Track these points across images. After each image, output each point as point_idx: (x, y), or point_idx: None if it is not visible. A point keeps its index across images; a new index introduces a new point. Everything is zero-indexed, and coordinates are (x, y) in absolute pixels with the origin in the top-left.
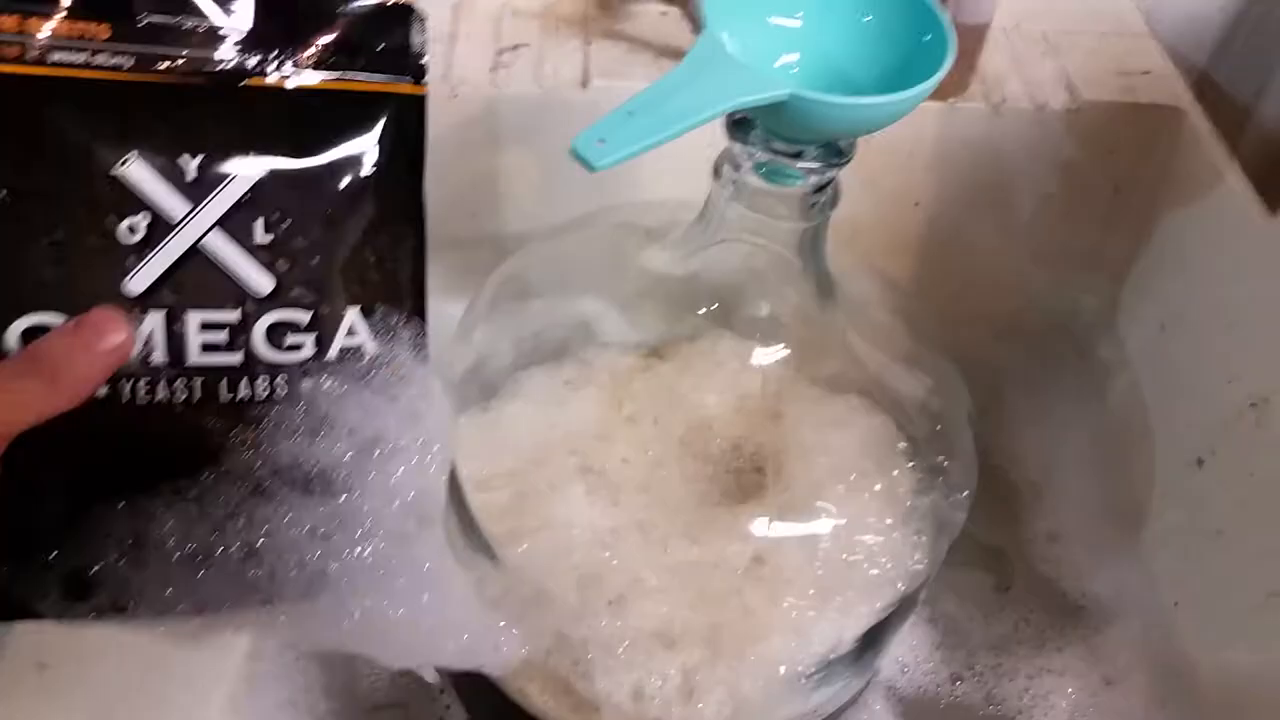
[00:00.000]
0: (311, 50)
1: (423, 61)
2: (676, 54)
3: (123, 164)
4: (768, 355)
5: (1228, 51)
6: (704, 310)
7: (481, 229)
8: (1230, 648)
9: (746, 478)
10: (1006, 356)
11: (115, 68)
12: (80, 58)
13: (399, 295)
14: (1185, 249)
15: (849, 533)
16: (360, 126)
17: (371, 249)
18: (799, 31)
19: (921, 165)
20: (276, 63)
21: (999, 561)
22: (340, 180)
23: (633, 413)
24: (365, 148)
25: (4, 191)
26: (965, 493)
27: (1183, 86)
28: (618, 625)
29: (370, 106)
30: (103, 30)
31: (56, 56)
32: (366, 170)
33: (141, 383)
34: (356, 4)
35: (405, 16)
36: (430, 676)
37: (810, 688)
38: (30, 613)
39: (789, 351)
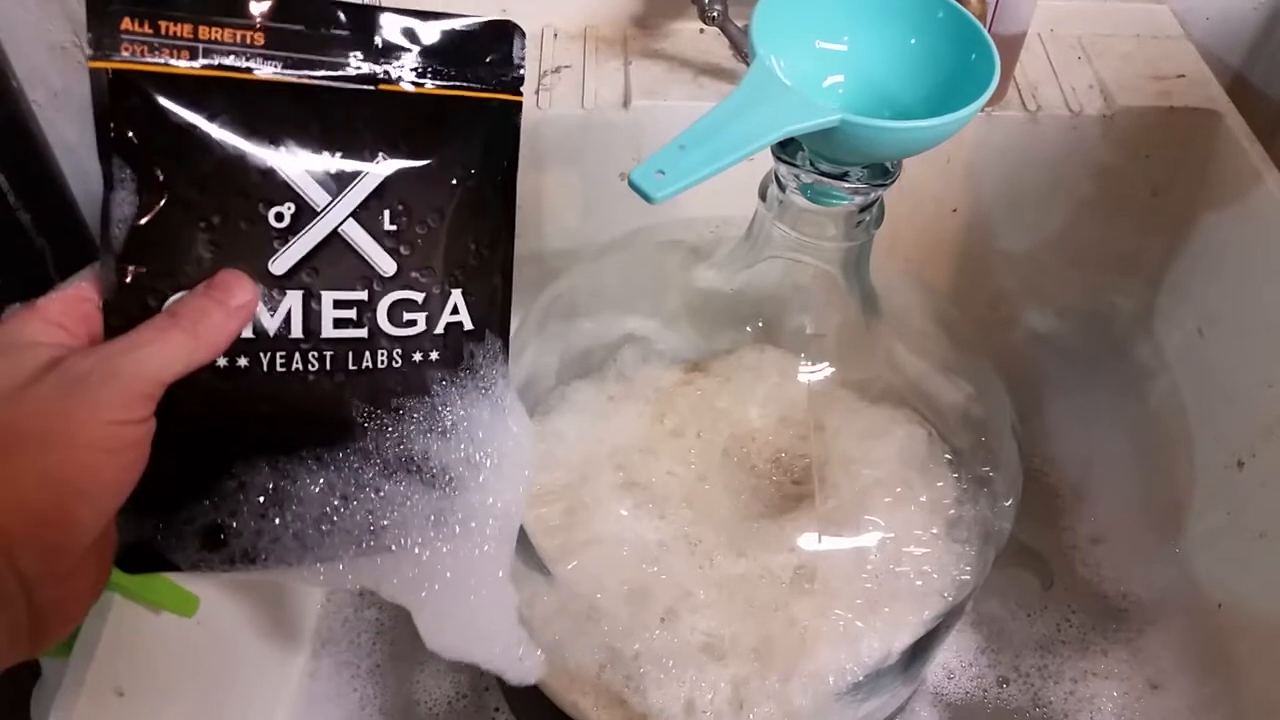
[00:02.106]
0: (431, 61)
1: (521, 72)
2: (716, 72)
3: (275, 157)
4: (811, 369)
5: (1263, 51)
6: (749, 327)
7: (527, 247)
8: (1276, 650)
9: (789, 489)
10: (1045, 360)
11: (271, 71)
12: (241, 61)
13: (493, 280)
14: (1222, 252)
15: (895, 544)
16: (468, 129)
17: (472, 237)
18: (844, 55)
19: (960, 172)
20: (402, 70)
21: (1041, 564)
22: (451, 176)
23: (676, 426)
24: (471, 147)
25: (166, 177)
26: (1010, 501)
27: (1218, 89)
28: (668, 639)
29: (477, 111)
30: (259, 37)
31: (221, 60)
32: (472, 167)
33: (279, 354)
34: (468, 20)
35: (509, 33)
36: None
37: (859, 698)
38: (167, 564)
39: (832, 365)
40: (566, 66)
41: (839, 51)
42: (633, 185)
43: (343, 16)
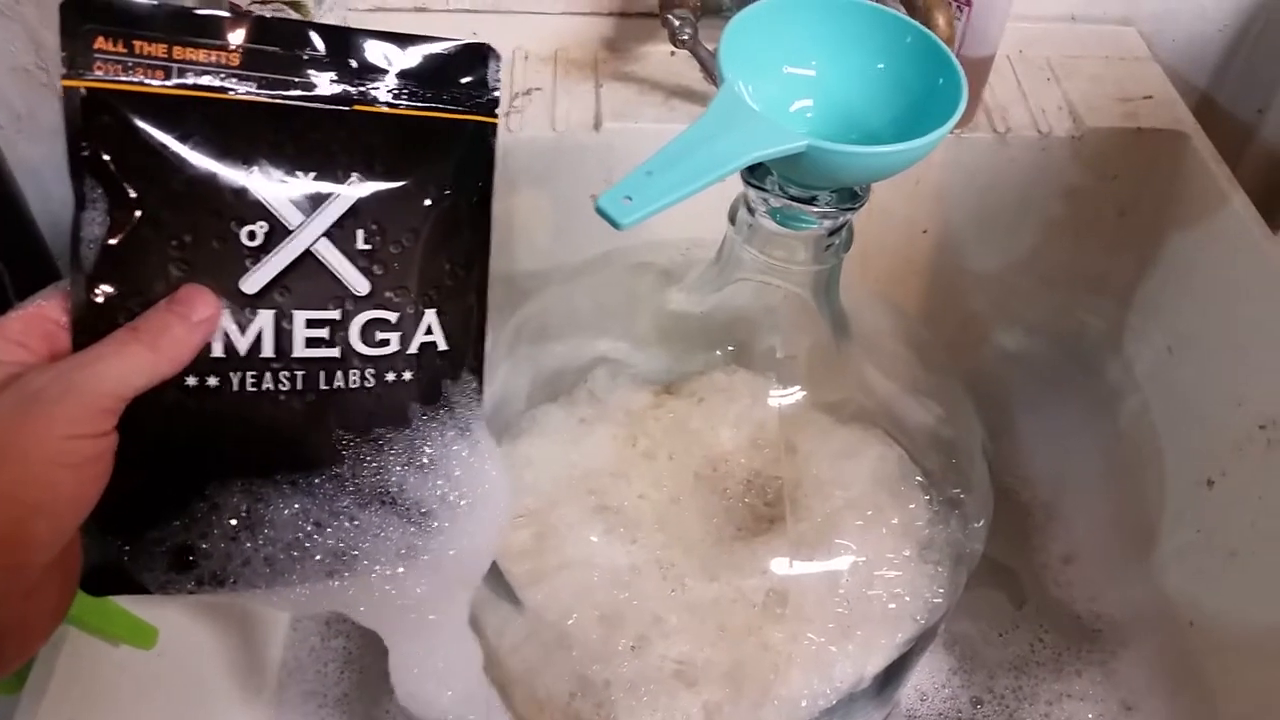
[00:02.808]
0: (406, 83)
1: (496, 94)
2: (687, 94)
3: (249, 176)
4: (782, 391)
5: (1228, 72)
6: (720, 349)
7: (497, 269)
8: (1248, 669)
9: (761, 511)
10: (1015, 380)
11: (245, 91)
12: (215, 81)
13: (467, 299)
14: (1191, 271)
15: (867, 567)
16: (443, 150)
17: (447, 257)
18: (813, 80)
19: (929, 194)
20: (377, 92)
21: (1013, 583)
22: (425, 196)
23: (647, 449)
24: (446, 168)
25: (139, 196)
26: (981, 522)
27: (1185, 110)
28: (639, 666)
29: (452, 133)
30: (234, 58)
31: (195, 80)
32: (446, 188)
33: (249, 373)
34: (444, 43)
35: (484, 55)
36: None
37: None
38: (134, 585)
39: (803, 387)
40: (537, 89)
41: (807, 76)
42: (600, 212)
43: (319, 38)
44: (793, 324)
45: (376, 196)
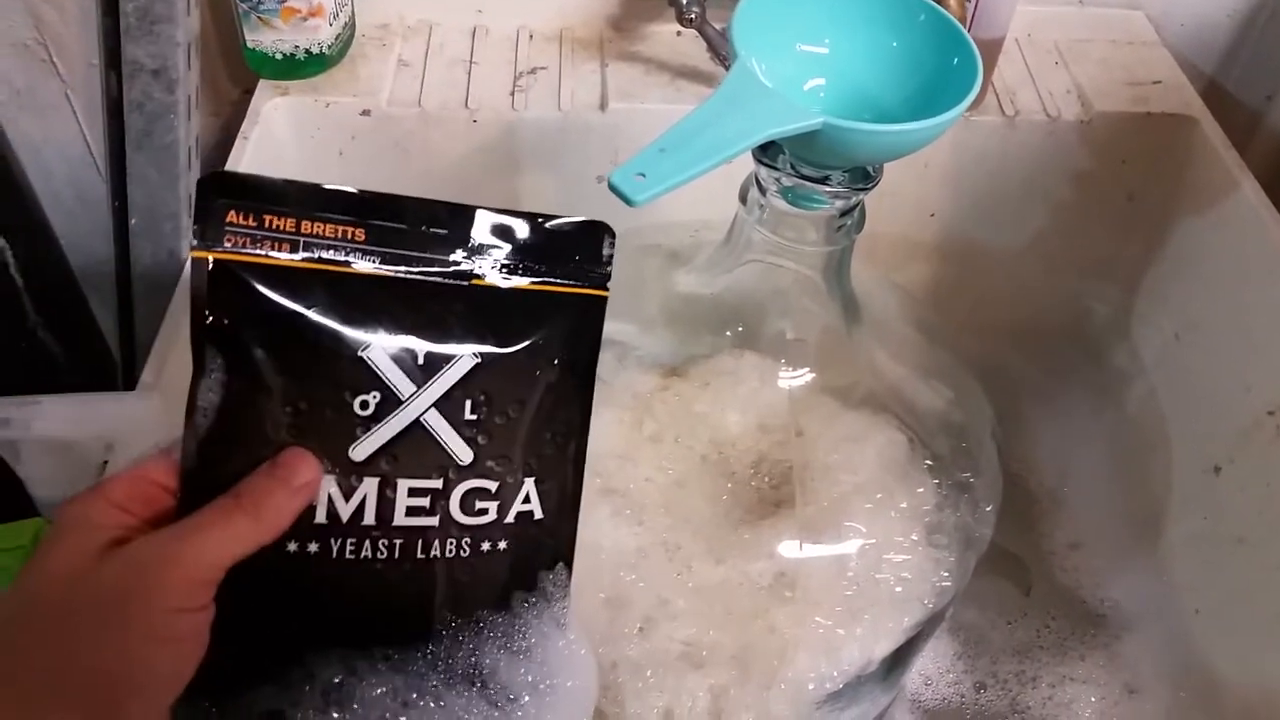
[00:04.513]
0: (522, 258)
1: (609, 269)
2: (693, 74)
3: (366, 348)
4: (791, 374)
5: (1237, 57)
6: (728, 331)
7: None
8: (1253, 656)
9: (768, 495)
10: (1022, 365)
11: (368, 266)
12: (340, 255)
13: (565, 469)
14: (1199, 257)
15: (875, 551)
16: (554, 323)
17: (549, 427)
18: (826, 57)
19: (938, 177)
20: (494, 267)
21: (1019, 569)
22: (535, 367)
23: (654, 432)
24: (556, 340)
25: (258, 365)
26: (990, 507)
27: (1193, 95)
28: (646, 648)
29: (563, 305)
30: (359, 233)
31: (320, 254)
32: (555, 359)
33: (349, 540)
34: (561, 220)
35: (599, 233)
36: None
37: (839, 707)
38: None
39: (812, 370)
40: (543, 68)
41: (820, 54)
42: (613, 188)
43: (443, 214)
44: (803, 306)
45: (487, 367)
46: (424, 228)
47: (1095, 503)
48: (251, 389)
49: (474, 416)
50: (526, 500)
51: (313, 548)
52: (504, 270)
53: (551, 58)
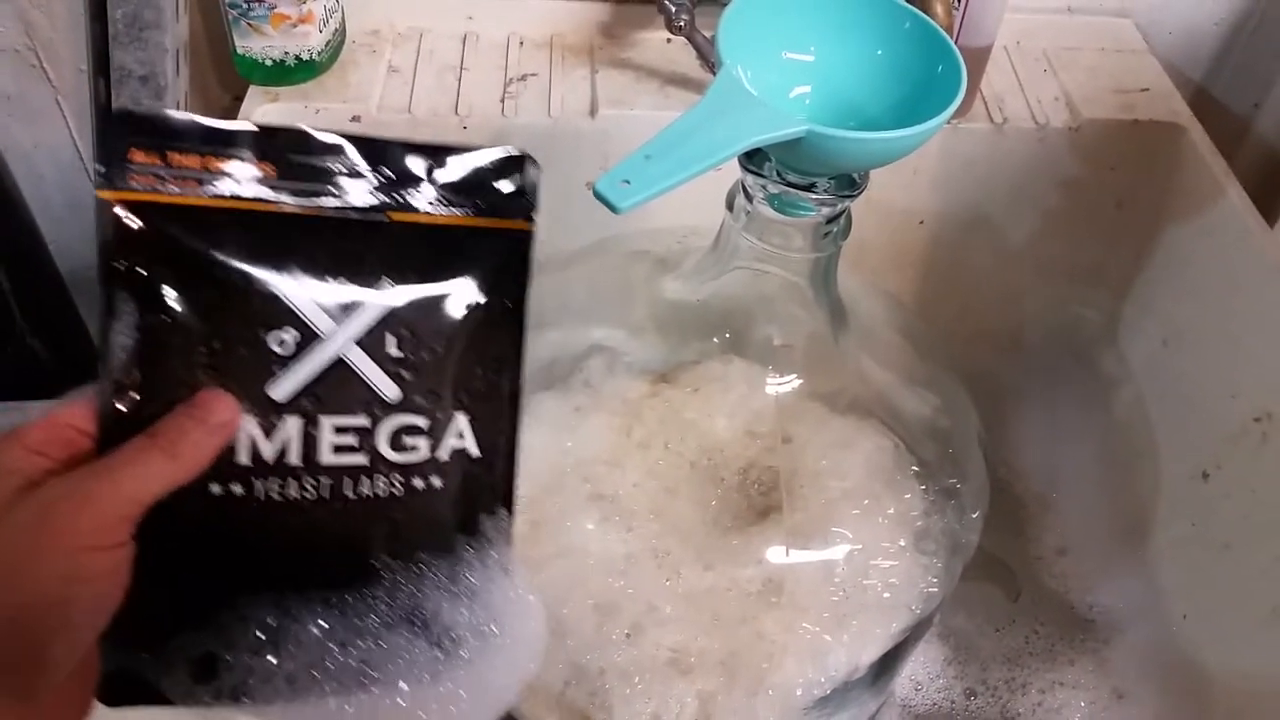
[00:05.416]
0: (441, 192)
1: (532, 201)
2: (683, 81)
3: (280, 285)
4: (778, 380)
5: (1224, 66)
6: (716, 338)
7: None
8: (1240, 660)
9: (757, 501)
10: (1010, 371)
11: (280, 202)
12: (249, 191)
13: (499, 404)
14: (1187, 263)
15: (863, 556)
16: (477, 257)
17: (479, 362)
18: (811, 65)
19: (926, 184)
20: (414, 200)
21: (1007, 575)
22: (460, 302)
23: (643, 438)
24: (481, 275)
25: (169, 305)
26: (977, 513)
27: (1181, 103)
28: (634, 654)
29: (486, 239)
30: (270, 169)
31: (230, 190)
32: (480, 294)
33: (274, 481)
34: (481, 152)
35: (521, 165)
36: None
37: (827, 712)
38: (153, 696)
39: (799, 376)
40: (533, 75)
41: (806, 62)
42: (598, 195)
43: (354, 149)
44: (789, 313)
45: (410, 304)
46: (337, 163)
47: (1083, 508)
48: (164, 330)
49: (399, 354)
50: (460, 436)
51: (237, 489)
52: (425, 204)
53: (542, 64)
